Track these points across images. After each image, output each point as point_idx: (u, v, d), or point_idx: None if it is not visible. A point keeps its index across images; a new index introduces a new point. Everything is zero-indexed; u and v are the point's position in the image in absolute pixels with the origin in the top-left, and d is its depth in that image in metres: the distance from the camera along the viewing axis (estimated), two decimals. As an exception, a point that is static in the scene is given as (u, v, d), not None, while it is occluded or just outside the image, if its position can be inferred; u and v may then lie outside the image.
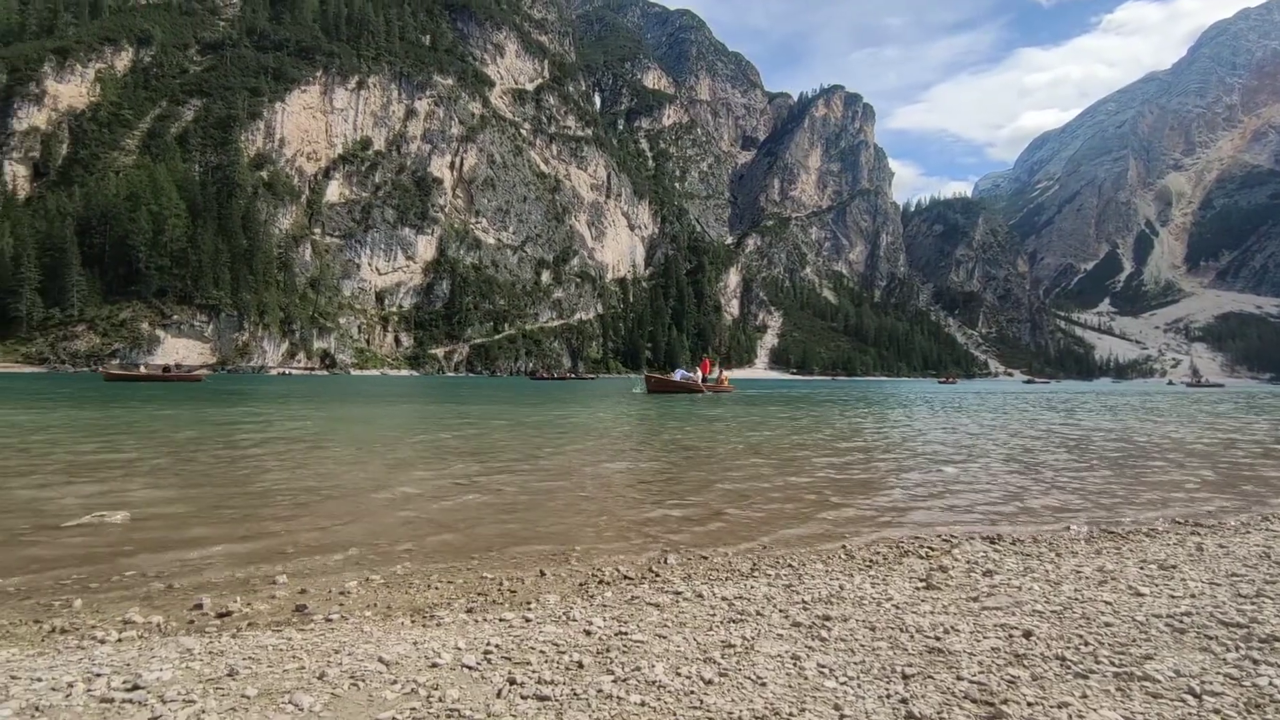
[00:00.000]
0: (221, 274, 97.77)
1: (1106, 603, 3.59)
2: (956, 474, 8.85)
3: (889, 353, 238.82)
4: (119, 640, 3.12)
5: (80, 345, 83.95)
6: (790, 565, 4.52)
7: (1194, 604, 3.54)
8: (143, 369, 52.57)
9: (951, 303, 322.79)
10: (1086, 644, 2.99)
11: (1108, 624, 3.25)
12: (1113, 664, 2.78)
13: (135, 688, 2.48)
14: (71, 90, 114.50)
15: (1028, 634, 3.10)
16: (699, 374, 37.78)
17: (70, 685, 2.49)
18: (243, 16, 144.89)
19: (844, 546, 5.08)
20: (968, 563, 4.54)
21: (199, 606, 3.59)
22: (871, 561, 4.64)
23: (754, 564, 4.56)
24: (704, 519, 5.92)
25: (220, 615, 3.50)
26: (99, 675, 2.58)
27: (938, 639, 3.05)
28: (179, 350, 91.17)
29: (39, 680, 2.54)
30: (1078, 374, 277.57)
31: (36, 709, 2.31)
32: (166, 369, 52.79)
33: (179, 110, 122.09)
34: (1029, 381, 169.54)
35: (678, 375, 37.31)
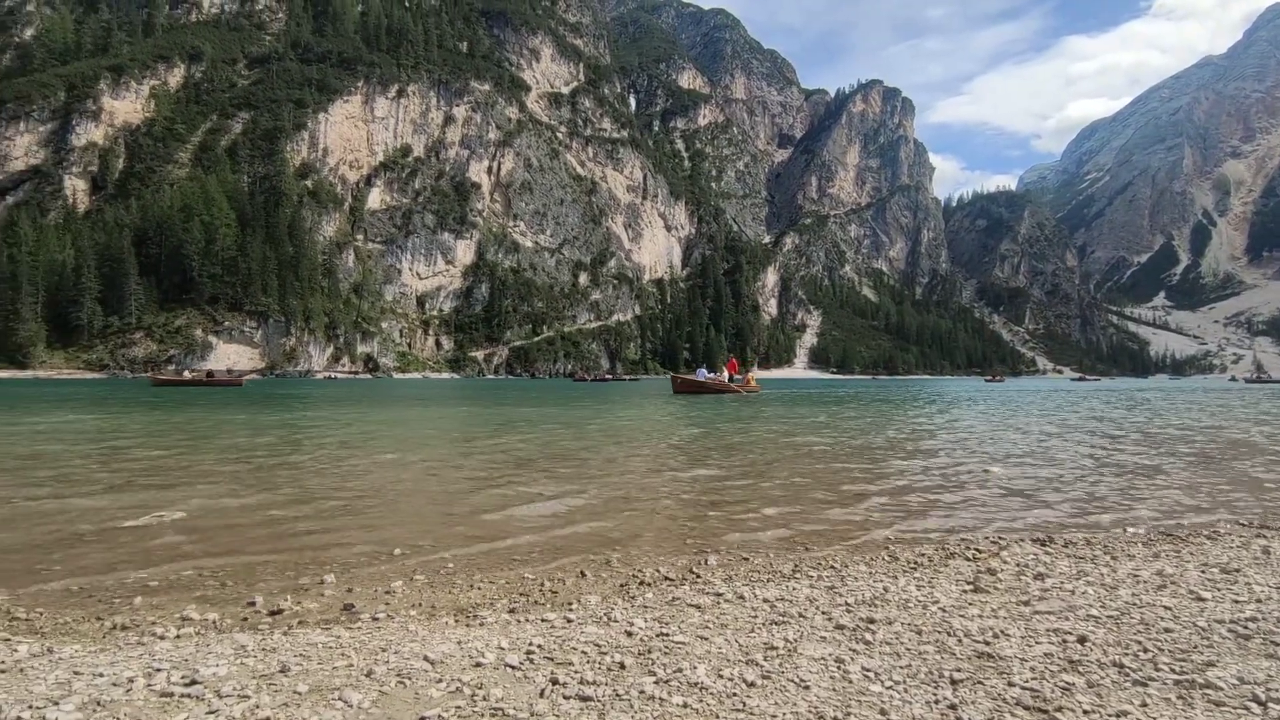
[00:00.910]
0: (269, 281, 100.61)
1: (1166, 607, 3.47)
2: (1003, 473, 8.64)
3: (931, 351, 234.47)
4: (177, 636, 3.22)
5: (138, 352, 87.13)
6: (832, 567, 4.46)
7: (1259, 609, 3.40)
8: (187, 374, 54.63)
9: (996, 299, 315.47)
10: (1145, 650, 2.89)
11: (1167, 629, 3.14)
12: (1173, 671, 2.68)
13: (193, 683, 2.56)
14: (127, 106, 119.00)
15: (1083, 639, 3.01)
16: (725, 374, 37.44)
17: (131, 680, 2.58)
18: (287, 30, 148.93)
19: (887, 548, 4.99)
20: (1017, 565, 4.43)
21: (252, 604, 3.69)
22: (916, 564, 4.56)
23: (795, 565, 4.51)
24: (744, 520, 5.88)
25: (272, 613, 3.59)
26: (159, 670, 2.68)
27: (987, 643, 2.98)
28: (230, 355, 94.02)
29: (101, 676, 2.63)
30: (1132, 371, 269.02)
31: (98, 704, 2.40)
32: (210, 374, 54.77)
33: (228, 123, 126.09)
34: (1079, 379, 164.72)
35: (700, 375, 36.98)
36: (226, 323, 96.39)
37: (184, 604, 3.71)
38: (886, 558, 4.72)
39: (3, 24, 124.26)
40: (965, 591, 3.84)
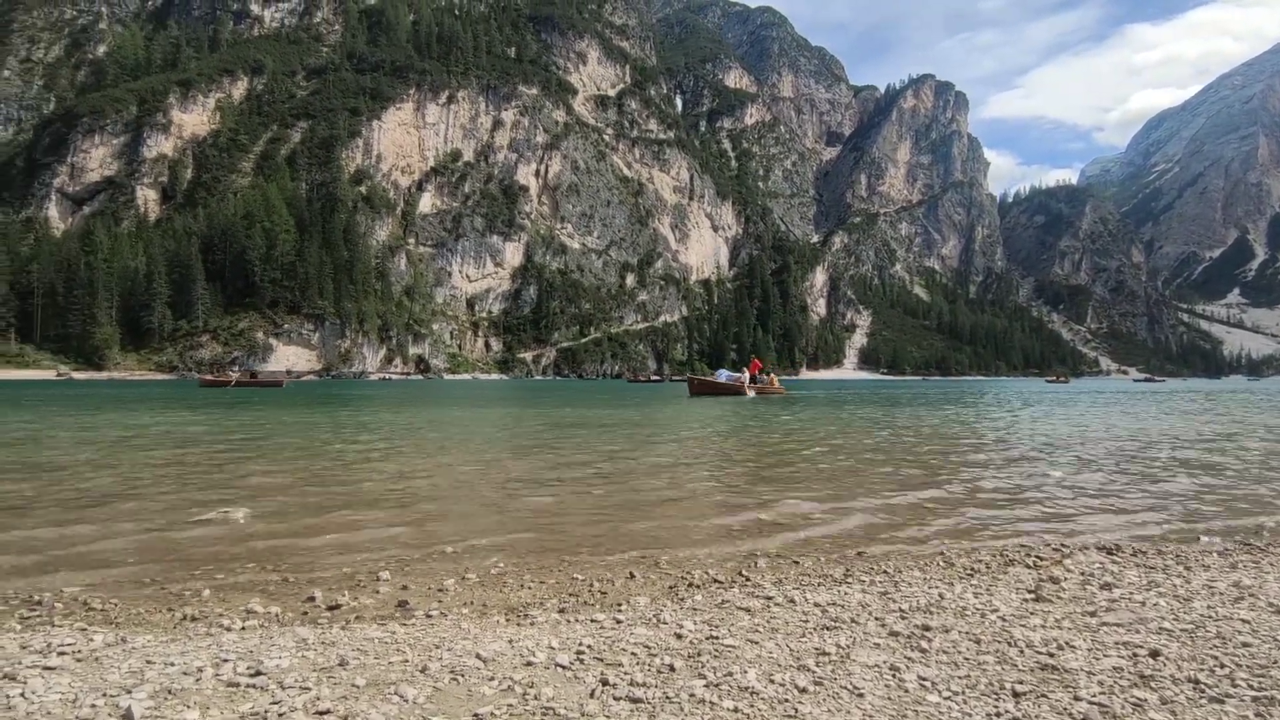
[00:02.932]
0: (325, 285, 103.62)
1: (1244, 621, 3.30)
2: (1065, 477, 8.35)
3: (986, 351, 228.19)
4: (243, 629, 3.33)
5: (205, 354, 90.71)
6: (885, 572, 4.38)
7: (1349, 625, 3.20)
8: (234, 375, 57.56)
9: (1055, 297, 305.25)
10: (1222, 665, 2.75)
11: (1245, 644, 2.98)
12: (1251, 687, 2.55)
13: (258, 674, 2.65)
14: (194, 119, 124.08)
15: (1154, 653, 2.88)
16: (745, 375, 36.54)
17: (200, 670, 2.68)
18: (343, 42, 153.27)
19: (942, 553, 4.88)
20: (1082, 574, 4.27)
21: (312, 599, 3.80)
22: (973, 570, 4.44)
23: (847, 569, 4.44)
24: (794, 522, 5.81)
25: (330, 608, 3.69)
26: (226, 661, 2.77)
27: (1051, 655, 2.88)
28: (289, 357, 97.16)
29: (172, 665, 2.74)
30: (1204, 371, 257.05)
31: (169, 692, 2.49)
32: (253, 374, 58.83)
33: (287, 133, 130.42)
34: (1146, 379, 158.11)
35: (721, 376, 36.21)
36: (286, 325, 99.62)
37: (248, 597, 3.84)
38: (942, 563, 4.61)
39: (77, 41, 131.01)
40: (1026, 600, 3.72)
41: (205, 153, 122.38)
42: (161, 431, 13.73)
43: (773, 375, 39.41)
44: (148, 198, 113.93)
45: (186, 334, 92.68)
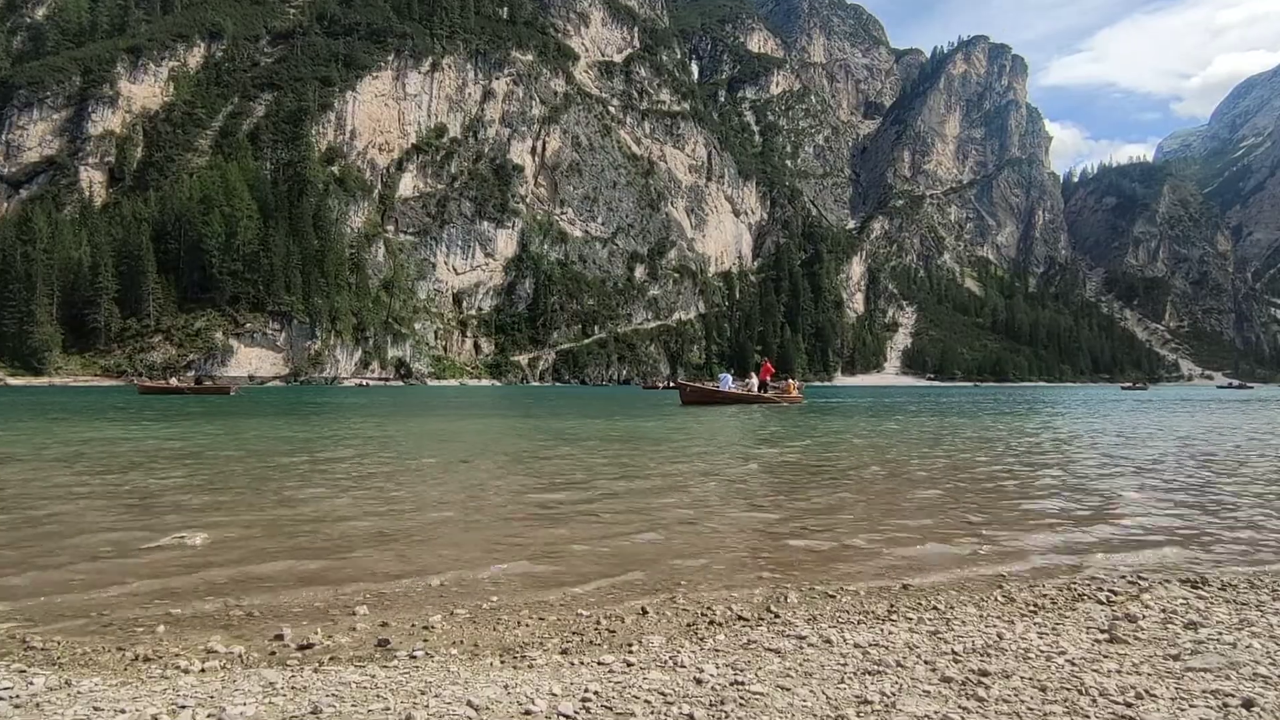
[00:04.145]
0: (293, 278, 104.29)
1: (1353, 666, 3.26)
2: (1143, 499, 8.30)
3: (1048, 352, 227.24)
4: (202, 670, 3.35)
5: (157, 356, 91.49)
6: (935, 607, 4.36)
7: None
8: (174, 381, 58.66)
9: (1128, 291, 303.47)
10: (1327, 718, 2.72)
11: (1356, 694, 2.95)
12: (1365, 745, 2.52)
13: (218, 723, 2.66)
14: (145, 91, 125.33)
15: (1249, 704, 2.86)
16: (753, 381, 36.02)
17: (155, 718, 2.69)
18: (313, 2, 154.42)
19: (1000, 586, 4.86)
20: (1163, 611, 4.24)
21: (280, 637, 3.82)
22: (1036, 606, 4.41)
23: (891, 605, 4.42)
24: (829, 550, 5.80)
25: (301, 647, 3.70)
26: (184, 708, 2.79)
27: (1128, 705, 2.86)
28: (252, 360, 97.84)
29: (122, 713, 2.75)
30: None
31: (122, 742, 2.51)
32: (199, 380, 59.70)
33: (250, 106, 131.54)
34: (1234, 385, 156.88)
35: (724, 384, 35.46)
36: (248, 325, 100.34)
37: (208, 634, 3.86)
38: (1000, 598, 4.59)
39: (12, 4, 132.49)
40: (1099, 641, 3.70)
41: (157, 128, 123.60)
42: (100, 443, 13.86)
43: (790, 381, 39.16)
44: (93, 180, 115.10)
45: (136, 334, 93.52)
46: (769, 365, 39.69)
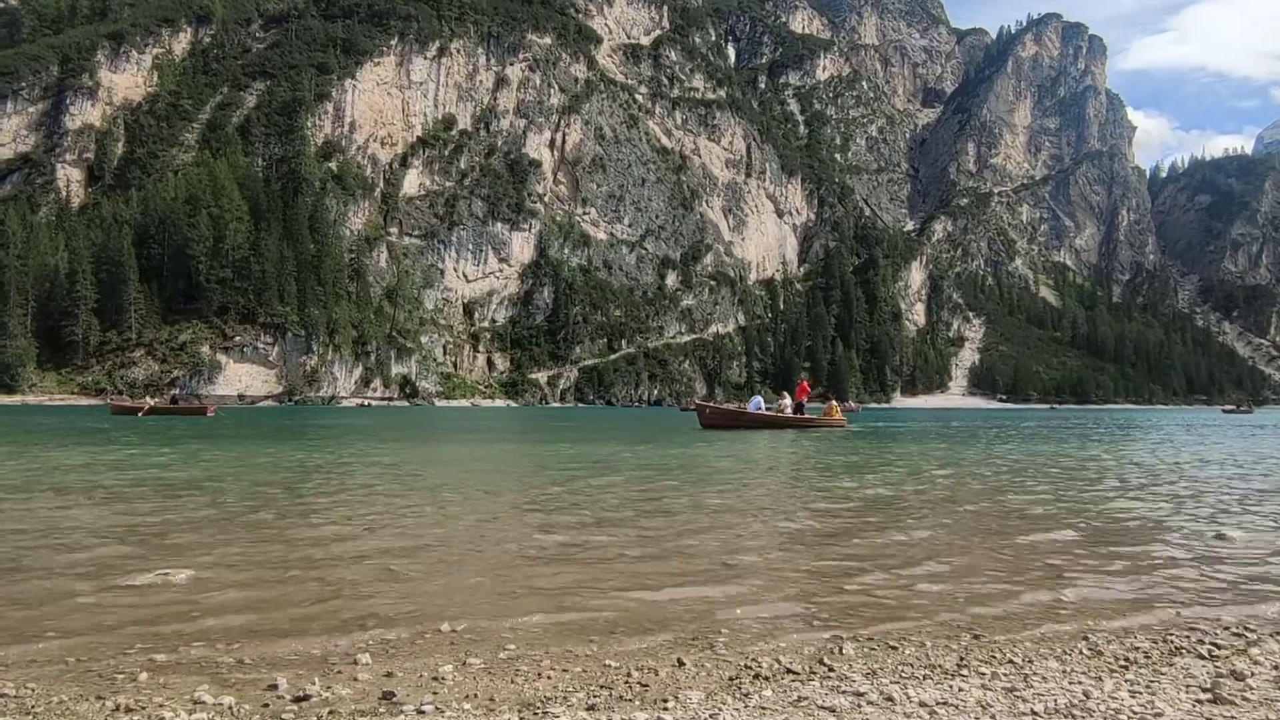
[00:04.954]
0: (287, 286, 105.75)
1: None
2: (1248, 539, 8.15)
3: (1135, 370, 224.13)
4: (187, 724, 3.38)
5: (139, 373, 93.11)
6: (1012, 661, 4.31)
7: None
8: (147, 401, 60.14)
9: (1227, 301, 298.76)
10: None
11: None
12: None
13: (208, 784, 2.68)
14: (127, 81, 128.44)
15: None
16: (786, 403, 35.74)
17: (138, 776, 2.72)
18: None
19: (1086, 638, 4.80)
20: (1274, 667, 4.16)
21: (274, 687, 3.85)
22: (1127, 660, 4.35)
23: (961, 657, 4.38)
24: (889, 596, 5.75)
25: (297, 699, 3.73)
26: (169, 766, 2.81)
27: (1239, 777, 2.80)
28: (241, 378, 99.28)
29: (104, 768, 2.79)
30: None
31: (103, 802, 2.54)
32: (174, 399, 61.41)
33: (240, 96, 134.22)
34: None
35: (754, 405, 34.99)
36: (237, 338, 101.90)
37: (196, 683, 3.90)
38: (1086, 651, 4.54)
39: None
40: (1200, 702, 3.64)
41: (140, 122, 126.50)
42: (64, 471, 14.12)
43: (832, 403, 38.80)
44: (70, 178, 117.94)
45: (116, 348, 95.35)
46: (805, 384, 39.44)
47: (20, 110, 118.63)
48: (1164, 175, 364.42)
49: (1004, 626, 5.07)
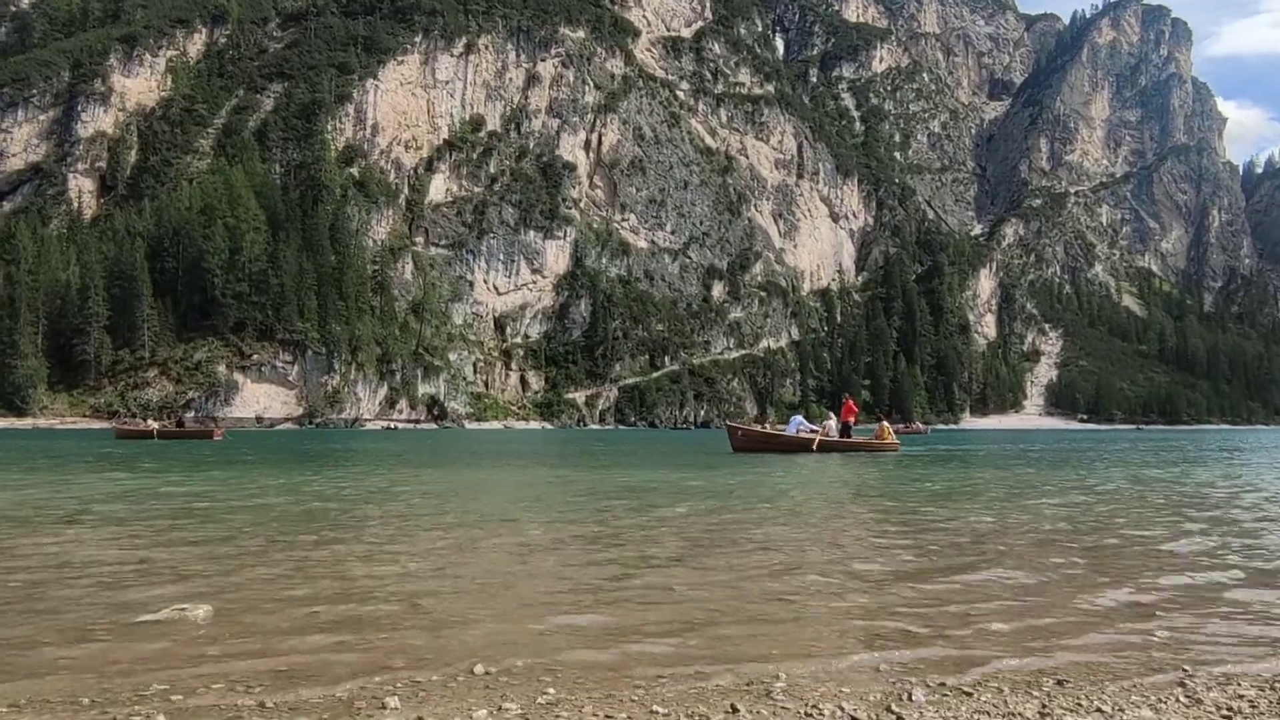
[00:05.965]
0: (307, 300, 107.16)
1: None
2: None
3: (1231, 387, 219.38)
4: (209, 773, 3.43)
5: (152, 394, 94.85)
6: (1100, 710, 4.23)
7: None
8: (151, 424, 61.35)
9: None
10: None
11: None
12: None
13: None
14: (140, 85, 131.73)
15: None
16: (831, 423, 35.37)
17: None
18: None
19: (1184, 684, 4.69)
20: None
21: (298, 733, 3.89)
22: (1230, 710, 4.25)
23: (1043, 706, 4.31)
24: (963, 637, 5.67)
25: (322, 747, 3.76)
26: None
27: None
28: (260, 398, 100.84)
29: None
30: None
31: None
32: (180, 423, 62.37)
33: (257, 99, 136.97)
34: None
35: (793, 427, 35.18)
36: (255, 356, 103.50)
37: (216, 728, 3.95)
38: (1183, 698, 4.44)
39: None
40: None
41: (153, 128, 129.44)
42: (82, 494, 14.43)
43: (884, 424, 38.50)
44: (82, 188, 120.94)
45: (129, 368, 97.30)
46: (851, 403, 39.01)
47: (31, 118, 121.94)
48: (1259, 171, 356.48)
49: (1089, 672, 4.98)
